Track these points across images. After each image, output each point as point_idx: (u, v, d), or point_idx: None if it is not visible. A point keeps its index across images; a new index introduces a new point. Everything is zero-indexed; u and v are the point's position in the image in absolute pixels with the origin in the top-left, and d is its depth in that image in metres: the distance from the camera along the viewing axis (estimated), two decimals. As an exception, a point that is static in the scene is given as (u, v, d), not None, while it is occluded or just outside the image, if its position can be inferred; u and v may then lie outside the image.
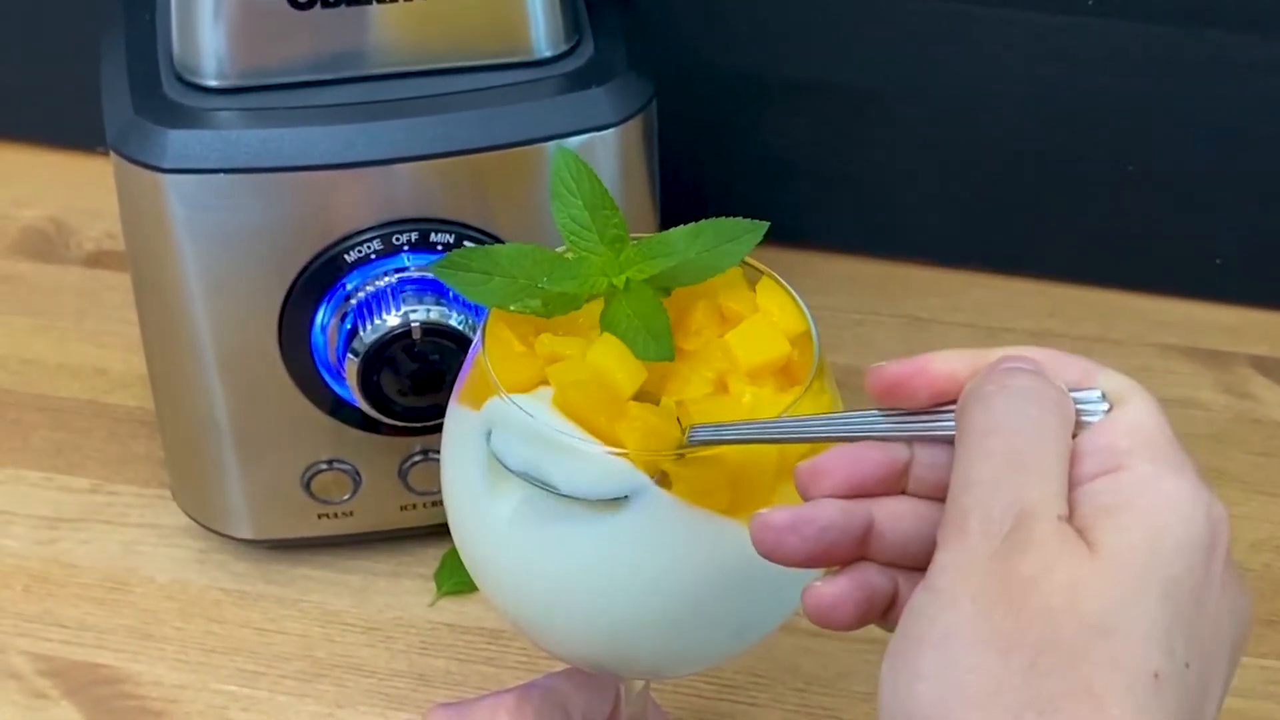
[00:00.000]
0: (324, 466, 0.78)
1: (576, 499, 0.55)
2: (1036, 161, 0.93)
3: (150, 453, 0.86)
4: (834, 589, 0.52)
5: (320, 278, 0.72)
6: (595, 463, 0.54)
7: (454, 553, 0.79)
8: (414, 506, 0.80)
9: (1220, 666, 0.48)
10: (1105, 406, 0.50)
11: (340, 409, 0.76)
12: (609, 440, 0.54)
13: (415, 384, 0.73)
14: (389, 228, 0.72)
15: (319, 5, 0.70)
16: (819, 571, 0.53)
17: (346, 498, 0.79)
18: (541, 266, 0.58)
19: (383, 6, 0.70)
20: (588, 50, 0.74)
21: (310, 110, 0.71)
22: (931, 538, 0.49)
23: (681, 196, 0.81)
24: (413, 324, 0.71)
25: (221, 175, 0.70)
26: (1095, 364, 0.52)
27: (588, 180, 0.58)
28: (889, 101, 0.92)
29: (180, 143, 0.70)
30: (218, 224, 0.71)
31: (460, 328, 0.72)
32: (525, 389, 0.56)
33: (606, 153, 0.72)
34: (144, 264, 0.74)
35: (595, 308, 0.57)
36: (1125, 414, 0.50)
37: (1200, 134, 0.90)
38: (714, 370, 0.57)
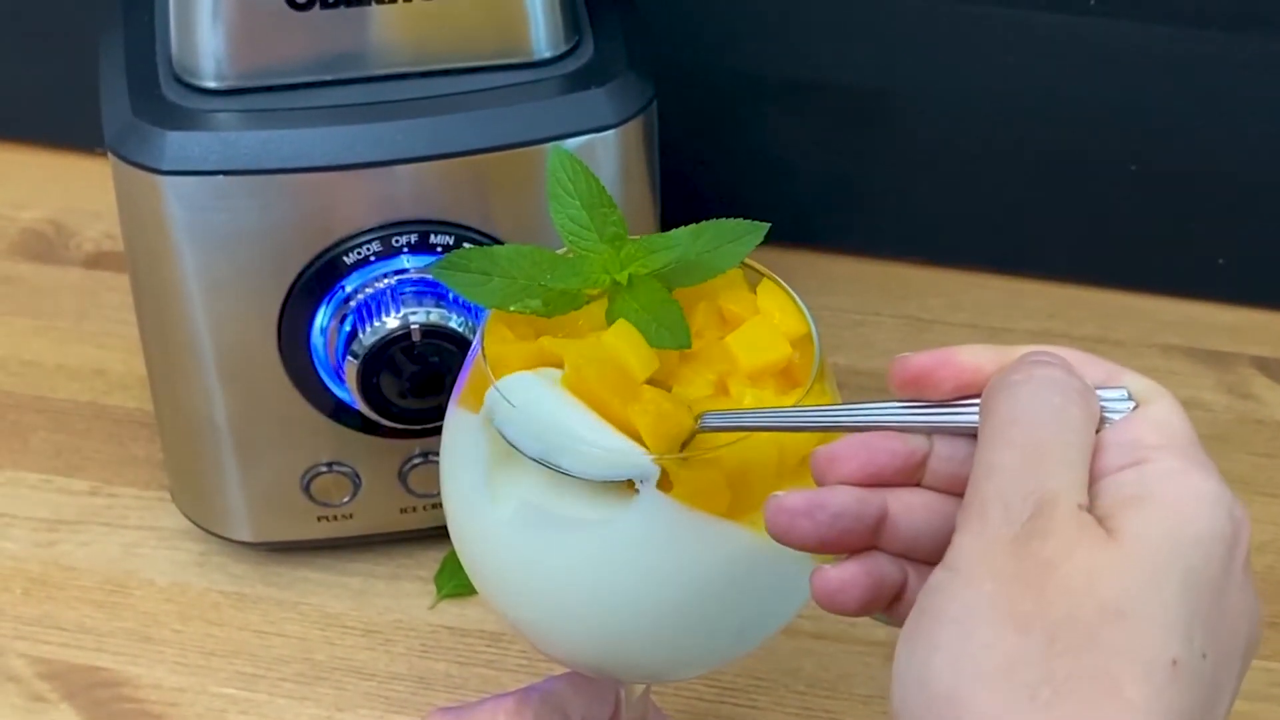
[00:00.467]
0: (323, 469, 0.78)
1: (584, 480, 0.54)
2: (1038, 161, 0.93)
3: (150, 455, 0.86)
4: (843, 573, 0.52)
5: (319, 279, 0.72)
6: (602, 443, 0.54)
7: (454, 555, 0.78)
8: (414, 509, 0.80)
9: (1234, 665, 0.48)
10: (1130, 404, 0.50)
11: (340, 411, 0.76)
12: (620, 423, 0.54)
13: (415, 386, 0.73)
14: (388, 229, 0.71)
15: (318, 6, 0.69)
16: (823, 563, 0.53)
17: (346, 500, 0.79)
18: (541, 267, 0.57)
19: (381, 7, 0.70)
20: (588, 51, 0.73)
21: (309, 112, 0.70)
22: (945, 531, 0.50)
23: (682, 197, 0.81)
24: (412, 326, 0.71)
25: (220, 177, 0.70)
26: (1119, 366, 0.52)
27: (585, 179, 0.58)
28: (890, 101, 0.92)
29: (179, 144, 0.70)
30: (216, 226, 0.71)
31: (460, 330, 0.71)
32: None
33: (606, 154, 0.72)
34: (143, 266, 0.74)
35: (596, 312, 0.57)
36: (1151, 412, 0.50)
37: (1202, 134, 0.90)
38: (715, 372, 0.56)
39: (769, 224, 0.57)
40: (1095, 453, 0.49)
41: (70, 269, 0.97)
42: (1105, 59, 0.89)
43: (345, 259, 0.72)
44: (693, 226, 0.58)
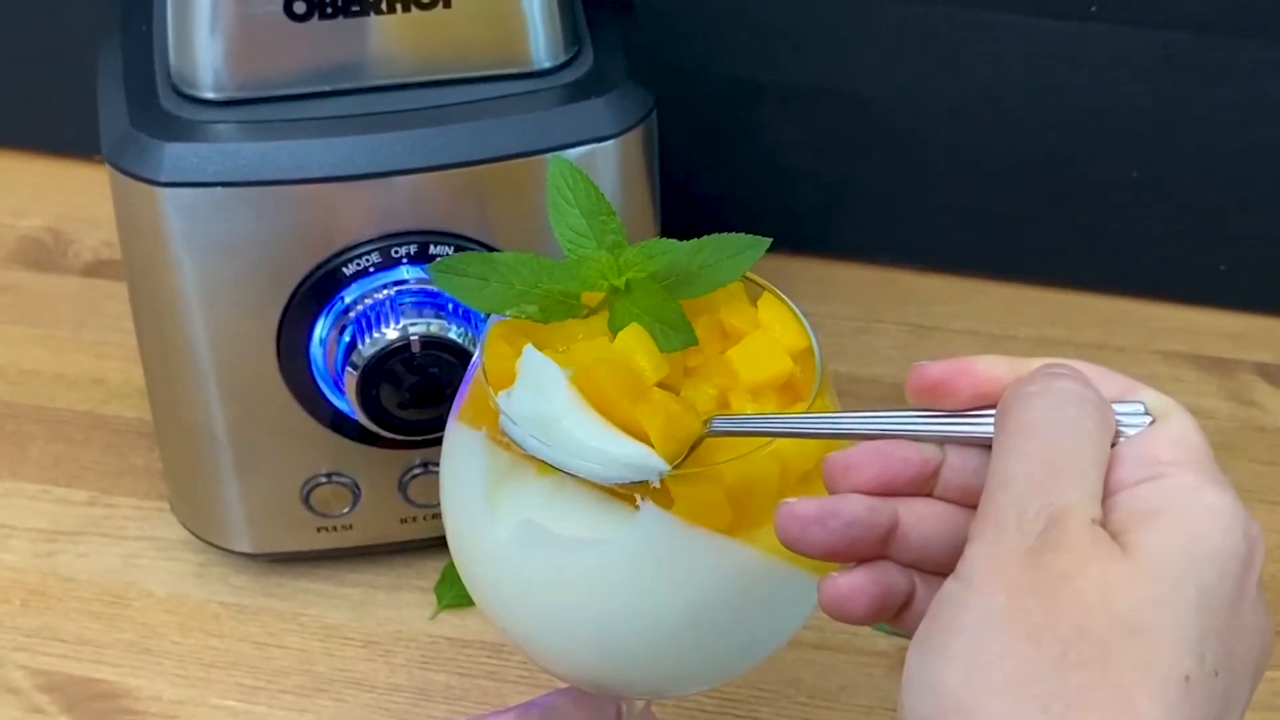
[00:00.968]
0: (323, 479, 0.78)
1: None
2: (1039, 168, 0.92)
3: (149, 464, 0.86)
4: (851, 581, 0.52)
5: (319, 291, 0.72)
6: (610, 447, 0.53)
7: (454, 566, 0.78)
8: (414, 519, 0.80)
9: (1245, 682, 0.48)
10: (1147, 419, 0.50)
11: (339, 422, 0.76)
12: (628, 426, 0.54)
13: (415, 397, 0.72)
14: (388, 240, 0.71)
15: (316, 17, 0.69)
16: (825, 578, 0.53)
17: (346, 511, 0.79)
18: (539, 274, 0.57)
19: (380, 18, 0.70)
20: (587, 61, 0.73)
21: (308, 123, 0.70)
22: (956, 543, 0.50)
23: (682, 206, 0.81)
24: (412, 337, 0.71)
25: (218, 188, 0.69)
26: (1136, 381, 0.52)
27: (584, 188, 0.58)
28: (891, 108, 0.92)
29: (176, 156, 0.69)
30: (215, 237, 0.71)
31: (460, 341, 0.71)
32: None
33: (606, 164, 0.72)
34: (141, 277, 0.74)
35: (596, 326, 0.57)
36: (1168, 427, 0.50)
37: (1204, 140, 0.90)
38: (716, 386, 0.56)
39: (770, 238, 0.57)
40: (1111, 466, 0.49)
41: (69, 277, 0.97)
42: (1106, 65, 0.88)
43: (344, 270, 0.71)
44: (694, 241, 0.58)
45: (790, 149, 0.94)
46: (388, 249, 0.71)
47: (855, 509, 0.52)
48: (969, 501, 0.51)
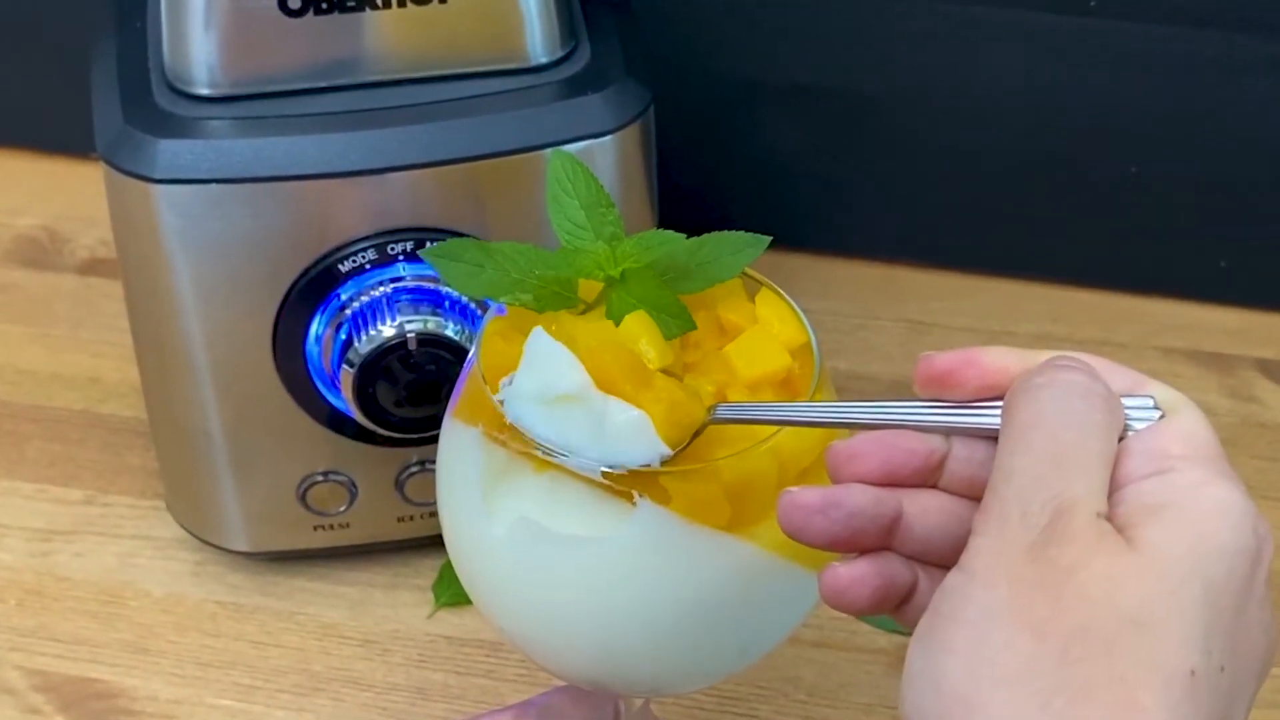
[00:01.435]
0: (319, 478, 0.77)
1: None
2: (1039, 164, 0.92)
3: (145, 463, 0.86)
4: (853, 571, 0.51)
5: (314, 288, 0.72)
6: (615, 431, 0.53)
7: (451, 564, 0.78)
8: (411, 518, 0.79)
9: (1250, 679, 0.48)
10: (1156, 413, 0.50)
11: (336, 420, 0.75)
12: None
13: (411, 395, 0.72)
14: (384, 237, 0.71)
15: (311, 13, 0.69)
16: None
17: (343, 509, 0.78)
18: (536, 263, 0.57)
19: (376, 14, 0.69)
20: (584, 56, 0.73)
21: (303, 119, 0.70)
22: (959, 536, 0.49)
23: (680, 202, 0.81)
24: (408, 334, 0.71)
25: (213, 185, 0.69)
26: (1145, 376, 0.52)
27: (584, 180, 0.58)
28: (889, 105, 0.92)
29: (171, 152, 0.69)
30: (210, 234, 0.70)
31: (456, 338, 0.71)
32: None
33: (604, 160, 0.71)
34: (136, 274, 0.74)
35: (593, 319, 0.56)
36: (1177, 422, 0.50)
37: (1203, 136, 0.90)
38: (714, 382, 0.56)
39: (770, 236, 0.57)
40: (1119, 460, 0.49)
41: (65, 276, 0.97)
42: (1106, 61, 0.88)
43: (340, 267, 0.71)
44: (694, 239, 0.57)
45: (788, 146, 0.94)
46: (384, 246, 0.71)
47: (859, 499, 0.51)
48: (974, 494, 0.51)
